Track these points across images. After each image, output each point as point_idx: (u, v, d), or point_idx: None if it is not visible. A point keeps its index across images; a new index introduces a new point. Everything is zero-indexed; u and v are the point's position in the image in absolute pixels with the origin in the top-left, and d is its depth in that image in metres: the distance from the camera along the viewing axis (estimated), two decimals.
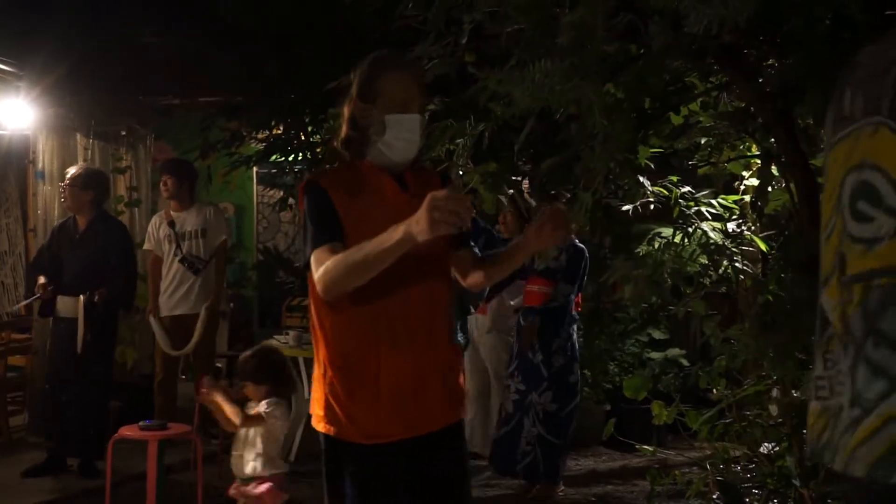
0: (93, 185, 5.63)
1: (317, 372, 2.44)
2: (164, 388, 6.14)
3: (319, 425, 2.41)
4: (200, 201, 6.45)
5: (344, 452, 2.38)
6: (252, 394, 3.78)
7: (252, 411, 3.74)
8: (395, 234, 2.08)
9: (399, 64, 2.41)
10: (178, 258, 6.11)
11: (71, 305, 5.46)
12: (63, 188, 5.71)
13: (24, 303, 6.16)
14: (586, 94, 2.34)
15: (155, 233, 6.25)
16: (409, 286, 2.33)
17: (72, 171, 5.72)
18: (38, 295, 5.54)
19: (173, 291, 6.14)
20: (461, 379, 2.51)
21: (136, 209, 7.62)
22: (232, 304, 8.51)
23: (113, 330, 5.71)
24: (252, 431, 3.75)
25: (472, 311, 5.19)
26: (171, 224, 6.16)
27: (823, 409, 1.61)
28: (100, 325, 5.44)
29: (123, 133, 7.60)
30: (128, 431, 4.49)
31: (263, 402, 3.74)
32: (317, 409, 2.42)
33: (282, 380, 3.84)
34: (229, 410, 3.70)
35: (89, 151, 7.25)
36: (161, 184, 6.32)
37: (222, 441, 5.90)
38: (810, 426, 1.63)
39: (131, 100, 7.48)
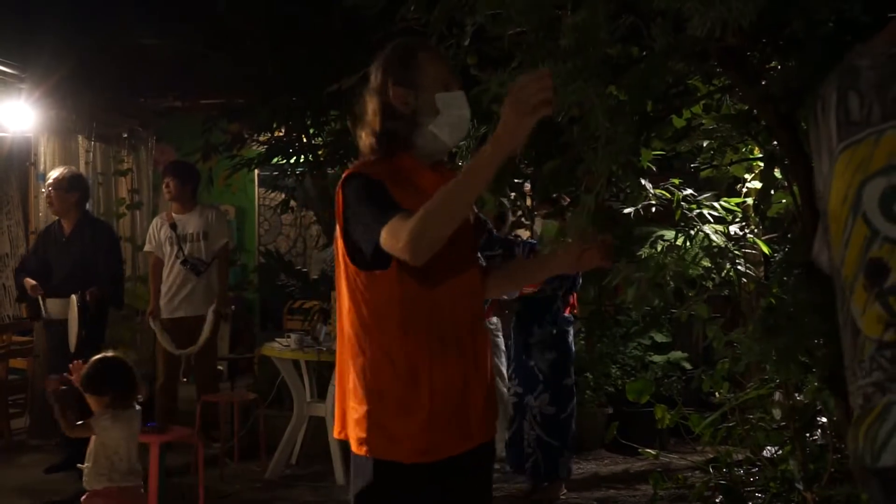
0: (77, 186, 5.69)
1: (353, 385, 2.22)
2: (165, 390, 6.13)
3: (362, 448, 2.18)
4: (202, 204, 6.44)
5: (395, 476, 2.16)
6: (94, 405, 3.67)
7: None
8: (482, 153, 1.88)
9: (429, 46, 2.33)
10: (179, 260, 6.10)
11: (61, 307, 5.49)
12: (48, 191, 5.72)
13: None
14: (589, 96, 2.34)
15: (156, 234, 6.24)
16: (454, 292, 2.21)
17: (55, 174, 5.74)
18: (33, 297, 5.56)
19: (175, 293, 6.14)
20: (495, 391, 2.39)
21: (138, 211, 7.63)
22: (233, 307, 8.50)
23: (103, 329, 5.72)
24: (91, 443, 3.67)
25: None
26: (173, 226, 6.15)
27: (885, 408, 1.58)
28: (92, 324, 5.44)
29: (125, 135, 7.60)
30: None
31: (96, 413, 3.65)
32: (357, 430, 2.19)
33: (124, 390, 3.70)
34: (58, 413, 3.63)
35: (91, 154, 7.26)
36: (164, 186, 6.31)
37: (224, 444, 5.90)
38: (865, 430, 1.60)
39: (133, 102, 7.50)
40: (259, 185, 9.37)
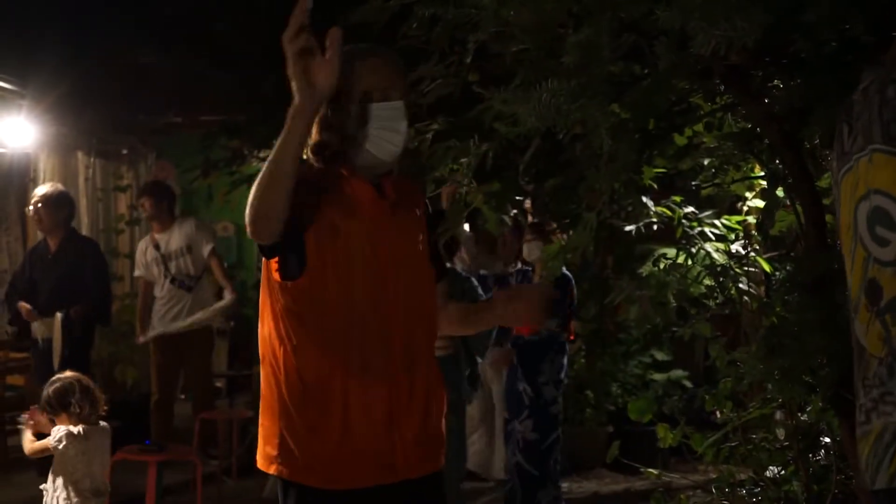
0: (65, 204, 5.62)
1: (267, 401, 2.11)
2: (160, 407, 6.12)
3: (271, 467, 2.07)
4: (180, 218, 6.41)
5: (300, 499, 2.05)
6: (46, 427, 3.65)
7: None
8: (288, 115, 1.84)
9: (371, 50, 2.15)
10: (168, 279, 6.09)
11: (46, 326, 5.42)
12: (34, 210, 5.63)
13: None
14: (592, 114, 2.33)
15: (143, 258, 6.23)
16: (387, 301, 2.07)
17: (42, 191, 5.66)
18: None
19: (167, 311, 6.13)
20: (443, 422, 2.20)
21: (137, 227, 7.62)
22: (232, 324, 8.48)
23: (88, 347, 5.66)
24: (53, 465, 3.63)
25: (479, 360, 4.75)
26: (157, 247, 6.13)
27: (879, 433, 1.59)
28: (76, 341, 5.38)
29: (125, 152, 7.62)
30: (127, 453, 4.46)
31: (53, 431, 3.62)
32: (266, 447, 2.09)
33: (79, 409, 3.66)
34: (27, 439, 3.62)
35: (90, 170, 7.26)
36: (139, 207, 6.31)
37: (222, 462, 5.86)
38: (866, 454, 1.61)
39: (132, 119, 7.51)
40: None
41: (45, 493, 3.63)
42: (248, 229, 1.93)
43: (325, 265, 2.03)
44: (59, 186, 5.85)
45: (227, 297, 6.06)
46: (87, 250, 5.76)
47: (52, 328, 5.39)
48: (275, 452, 2.06)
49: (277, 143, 1.86)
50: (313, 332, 2.04)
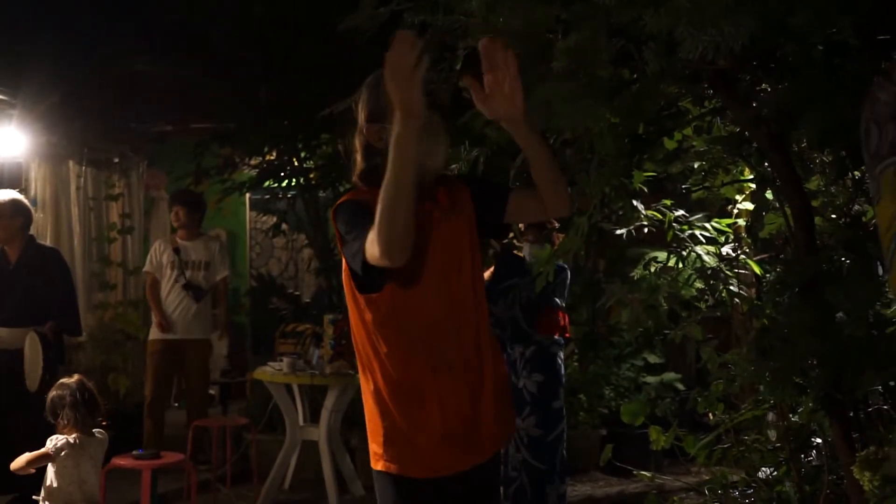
0: (20, 212, 5.38)
1: (367, 403, 2.34)
2: (152, 410, 6.16)
3: (379, 463, 2.28)
4: (207, 235, 6.60)
5: (409, 490, 2.26)
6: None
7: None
8: (395, 137, 1.92)
9: None
10: (180, 283, 6.23)
11: (14, 337, 5.13)
12: None
13: None
14: (581, 119, 2.35)
15: (157, 256, 6.34)
16: (454, 302, 2.28)
17: None
18: None
19: (169, 315, 6.22)
20: (509, 395, 2.45)
21: (129, 236, 7.61)
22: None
23: (61, 361, 5.38)
24: (48, 474, 3.63)
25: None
26: (177, 251, 6.27)
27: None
28: (53, 357, 5.11)
29: (116, 160, 7.60)
30: (121, 460, 4.45)
31: (50, 440, 3.62)
32: (373, 445, 2.30)
33: (79, 416, 3.67)
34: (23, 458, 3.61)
35: (82, 179, 7.25)
36: (172, 213, 6.41)
37: (216, 470, 5.86)
38: None
39: (124, 127, 7.51)
40: (251, 209, 9.36)
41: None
42: (381, 259, 2.00)
43: (400, 278, 2.19)
44: (12, 193, 5.51)
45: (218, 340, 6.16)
46: (52, 261, 5.52)
47: (15, 340, 5.10)
48: (380, 451, 2.27)
49: (393, 167, 1.93)
50: (400, 339, 2.24)
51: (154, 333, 6.25)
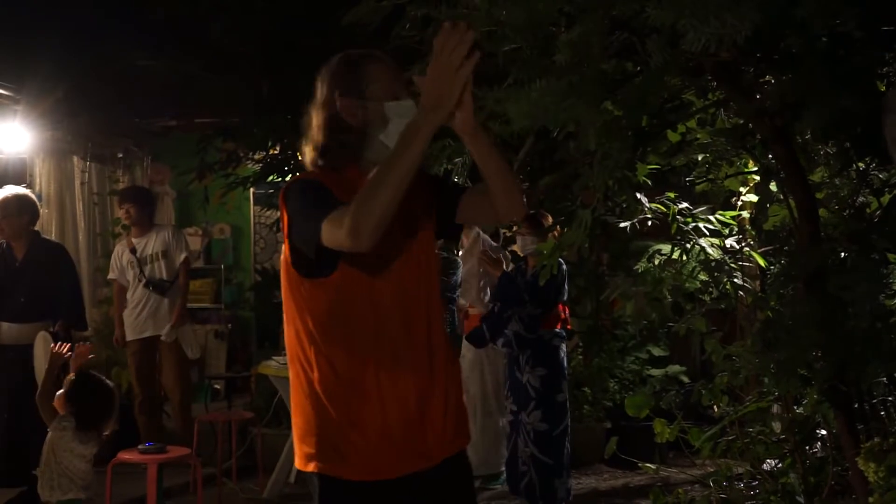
0: (26, 208, 5.39)
1: (299, 400, 2.15)
2: (144, 407, 6.16)
3: (309, 464, 2.10)
4: (158, 224, 6.52)
5: (341, 494, 2.07)
6: (62, 409, 3.66)
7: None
8: (411, 124, 1.84)
9: (377, 56, 2.19)
10: (142, 283, 6.14)
11: (23, 333, 5.14)
12: None
13: None
14: (583, 113, 2.34)
15: (118, 261, 6.28)
16: (407, 292, 2.13)
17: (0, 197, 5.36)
18: None
19: (139, 314, 6.17)
20: (463, 397, 2.27)
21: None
22: (230, 325, 8.50)
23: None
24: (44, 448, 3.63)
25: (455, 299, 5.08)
26: (133, 250, 6.20)
27: None
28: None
29: (120, 155, 7.60)
30: (127, 455, 4.46)
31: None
32: (304, 446, 2.12)
33: (90, 408, 3.65)
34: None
35: (86, 174, 7.26)
36: (123, 212, 6.32)
37: (221, 464, 5.87)
38: None
39: (128, 122, 7.50)
40: (254, 204, 9.34)
41: (39, 477, 3.63)
42: (351, 241, 1.87)
43: (351, 263, 2.06)
44: (19, 190, 5.53)
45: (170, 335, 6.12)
46: (58, 257, 5.56)
47: (24, 336, 5.09)
48: (312, 450, 2.09)
49: (400, 154, 1.85)
50: (342, 330, 2.08)
51: (129, 334, 6.19)
